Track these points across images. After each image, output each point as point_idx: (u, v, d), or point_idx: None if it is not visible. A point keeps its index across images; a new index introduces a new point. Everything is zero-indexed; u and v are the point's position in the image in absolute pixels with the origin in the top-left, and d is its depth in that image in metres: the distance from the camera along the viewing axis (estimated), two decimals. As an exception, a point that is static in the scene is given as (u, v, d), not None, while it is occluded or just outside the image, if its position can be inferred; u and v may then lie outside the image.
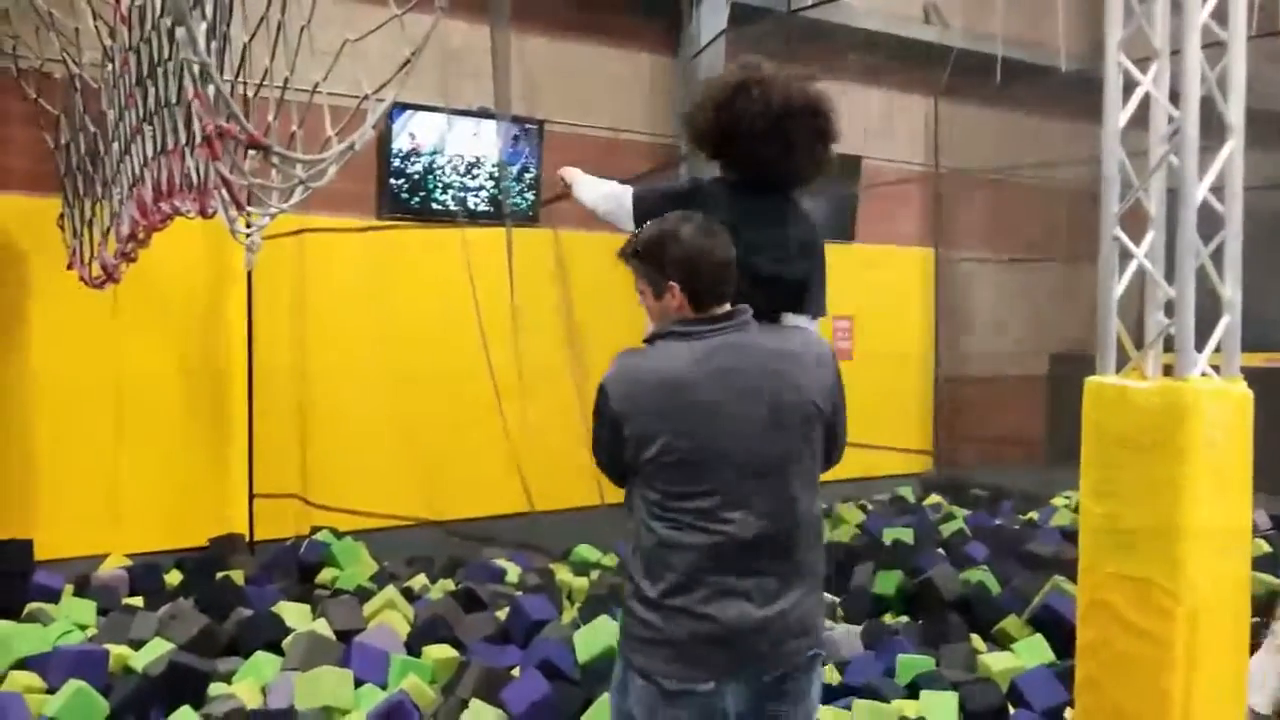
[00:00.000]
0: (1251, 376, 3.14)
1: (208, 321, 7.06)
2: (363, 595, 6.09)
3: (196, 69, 3.21)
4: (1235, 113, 3.01)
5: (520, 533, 7.46)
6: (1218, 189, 3.09)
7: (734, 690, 2.46)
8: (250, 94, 4.48)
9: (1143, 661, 2.99)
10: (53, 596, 5.82)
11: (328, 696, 4.63)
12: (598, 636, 5.20)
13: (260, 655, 5.08)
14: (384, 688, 4.84)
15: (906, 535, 7.61)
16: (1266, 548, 7.14)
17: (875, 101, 10.16)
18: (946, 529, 8.03)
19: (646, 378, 2.49)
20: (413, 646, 5.34)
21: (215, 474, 7.03)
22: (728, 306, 2.52)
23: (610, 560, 7.37)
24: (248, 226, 5.47)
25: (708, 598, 2.41)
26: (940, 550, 7.30)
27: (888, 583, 6.41)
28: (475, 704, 4.51)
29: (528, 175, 8.38)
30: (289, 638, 5.25)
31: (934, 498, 9.47)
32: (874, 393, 9.35)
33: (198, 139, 3.55)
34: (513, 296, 7.05)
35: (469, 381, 7.53)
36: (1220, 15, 2.99)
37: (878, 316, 9.97)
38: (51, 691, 4.60)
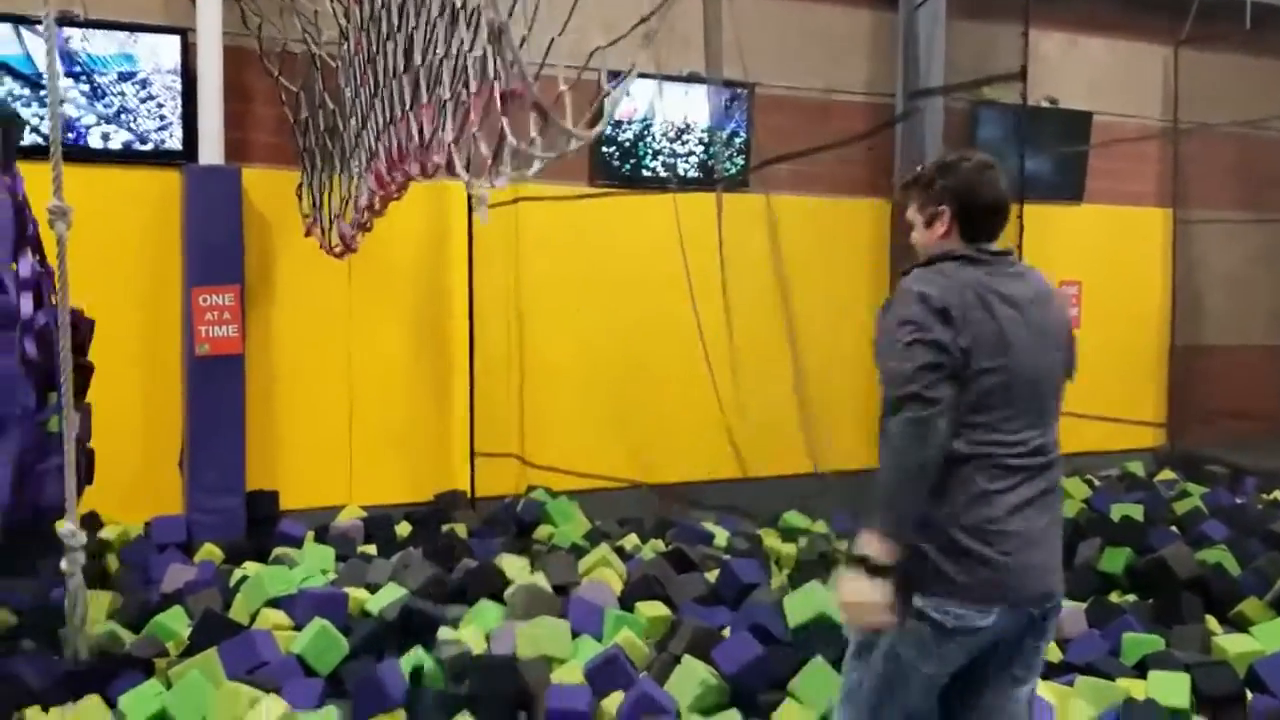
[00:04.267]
0: None
1: (432, 289, 7.39)
2: (577, 552, 6.27)
3: (494, 29, 3.32)
4: None
5: (729, 498, 7.50)
6: None
7: (1005, 624, 2.50)
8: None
9: None
10: (296, 543, 6.26)
11: (547, 646, 4.80)
12: (809, 602, 5.18)
13: (484, 604, 5.32)
14: (599, 640, 4.99)
15: (1136, 512, 7.20)
16: None
17: (1107, 52, 9.56)
18: (1181, 506, 7.56)
19: (962, 289, 2.52)
20: (626, 603, 5.46)
21: (440, 434, 7.37)
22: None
23: (819, 528, 7.31)
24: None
25: (1005, 530, 2.44)
26: (1173, 529, 6.88)
27: (1115, 560, 6.10)
28: (688, 660, 4.58)
29: (737, 140, 8.34)
30: (510, 589, 5.47)
31: (1167, 474, 8.92)
32: (1103, 362, 8.86)
33: (465, 95, 3.64)
34: (722, 264, 7.06)
35: (680, 347, 7.60)
36: None
37: (1108, 281, 9.42)
38: (297, 629, 4.96)
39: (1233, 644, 5.03)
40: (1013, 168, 8.93)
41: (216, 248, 6.55)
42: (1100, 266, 9.34)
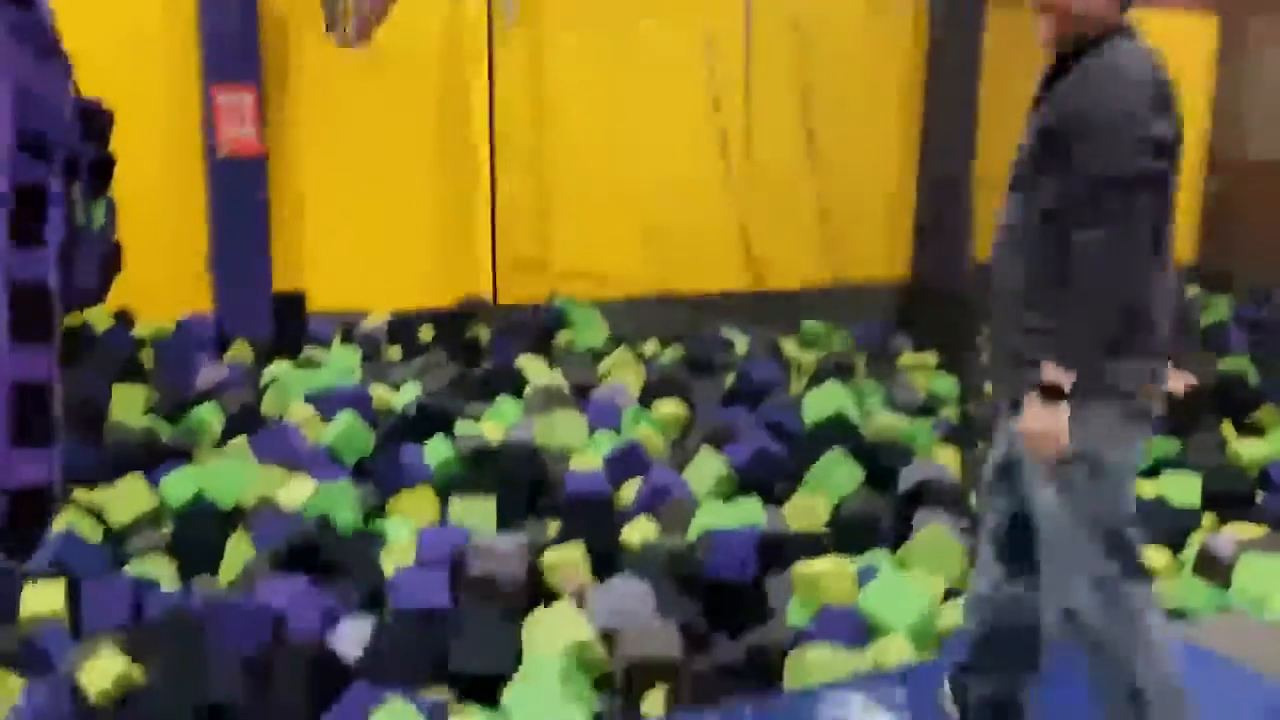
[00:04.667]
0: None
1: (452, 86, 7.26)
2: (597, 356, 6.36)
3: None
4: None
5: (751, 308, 7.53)
6: None
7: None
8: None
9: None
10: (324, 344, 6.37)
11: (564, 437, 4.93)
12: (827, 400, 5.27)
13: (504, 400, 5.44)
14: (618, 434, 5.11)
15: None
16: None
17: None
18: (1206, 318, 7.54)
19: (1158, 82, 2.18)
20: (644, 402, 5.57)
21: (463, 239, 7.38)
22: None
23: (839, 337, 7.36)
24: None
25: (1163, 336, 2.29)
26: (1197, 339, 6.89)
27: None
28: (704, 451, 4.69)
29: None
30: (529, 387, 5.58)
31: (1193, 289, 8.87)
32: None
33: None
34: (747, 60, 6.86)
35: (705, 156, 7.49)
36: None
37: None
38: (326, 422, 5.10)
39: (1247, 448, 5.10)
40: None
41: (233, 46, 6.45)
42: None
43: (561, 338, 6.81)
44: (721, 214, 7.55)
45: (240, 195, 6.53)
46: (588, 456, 4.80)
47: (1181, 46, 9.42)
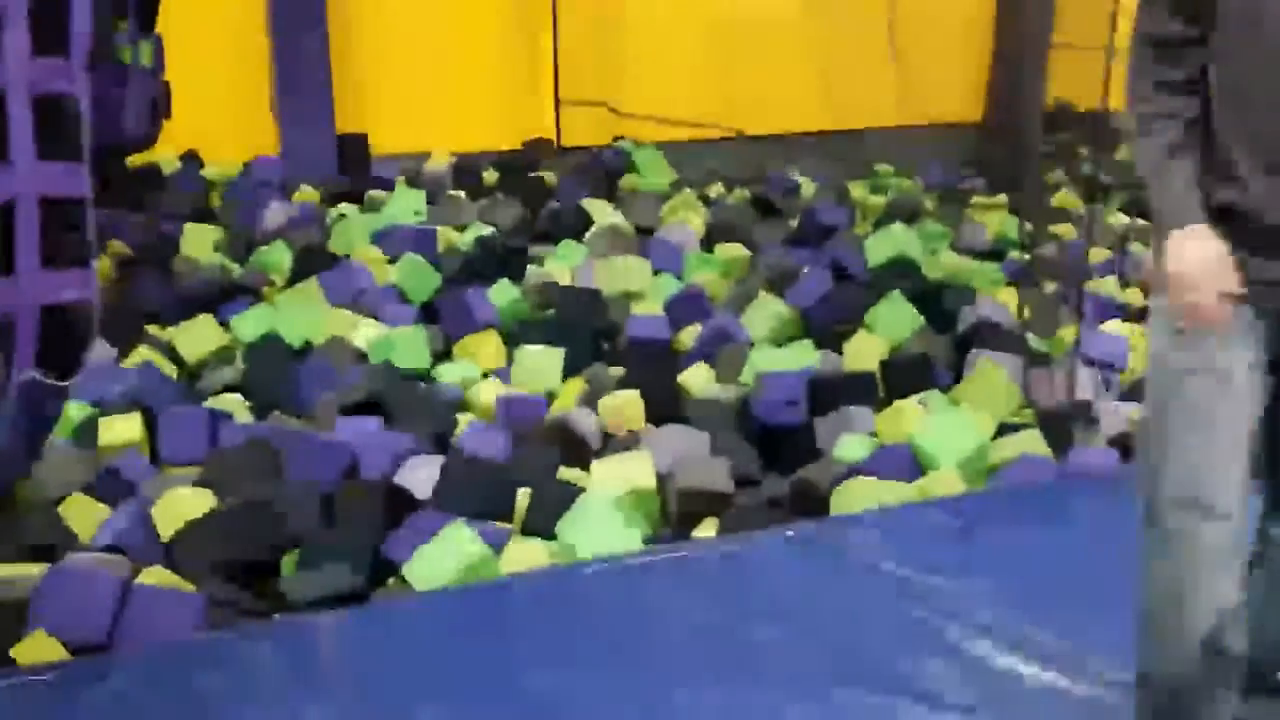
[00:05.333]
0: None
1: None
2: (661, 199, 6.32)
3: None
4: None
5: (822, 150, 7.37)
6: None
7: None
8: None
9: None
10: (388, 186, 6.41)
11: (627, 281, 4.96)
12: (890, 242, 5.21)
13: (568, 243, 5.47)
14: (679, 279, 5.12)
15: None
16: None
17: None
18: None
19: None
20: (707, 245, 5.55)
21: (527, 80, 7.28)
22: None
23: (911, 180, 7.21)
24: None
25: None
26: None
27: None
28: (763, 295, 4.70)
29: None
30: (592, 229, 5.59)
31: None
32: None
33: None
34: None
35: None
36: None
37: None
38: (392, 263, 5.18)
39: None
40: None
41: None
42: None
43: (626, 181, 6.76)
44: (790, 52, 7.33)
45: (301, 34, 6.49)
46: (649, 301, 4.83)
47: None
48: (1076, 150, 7.35)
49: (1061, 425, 3.54)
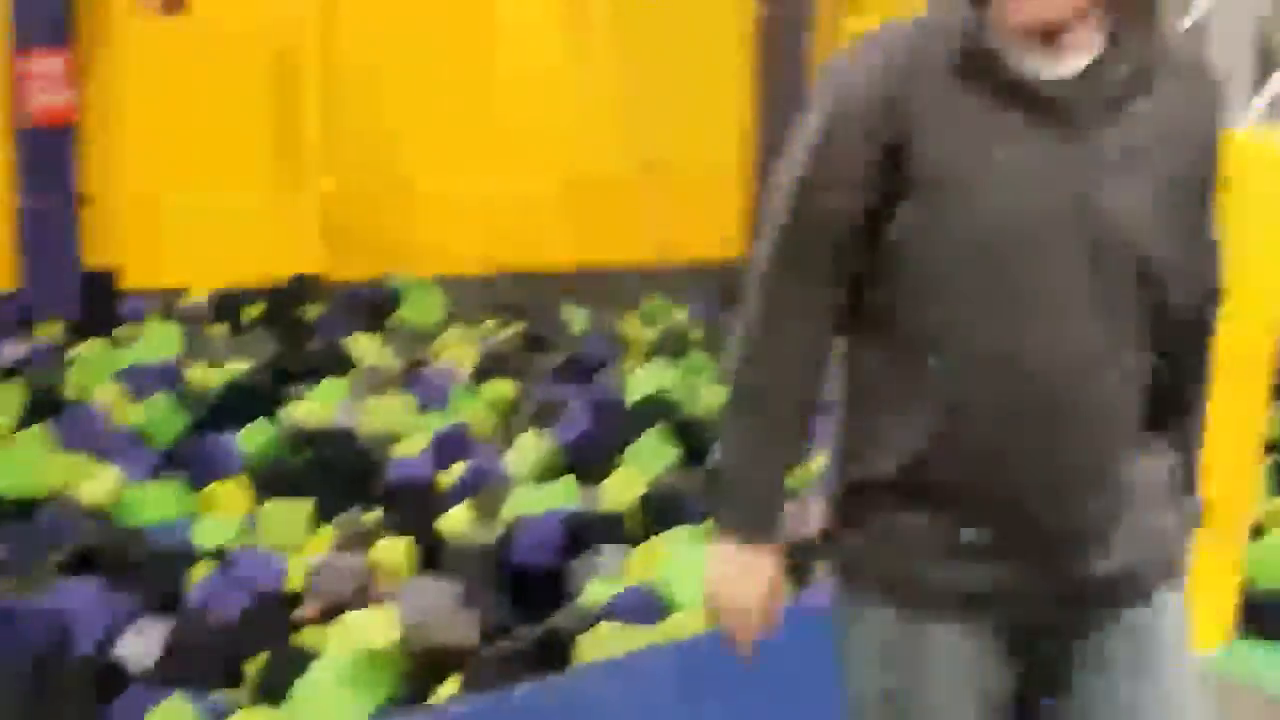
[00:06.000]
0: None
1: (282, 61, 7.02)
2: (431, 333, 6.28)
3: None
4: None
5: (590, 285, 7.53)
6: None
7: None
8: None
9: None
10: (138, 320, 6.12)
11: (390, 420, 4.86)
12: (652, 378, 5.33)
13: (329, 381, 5.33)
14: (445, 415, 5.06)
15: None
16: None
17: None
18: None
19: None
20: (476, 380, 5.53)
21: (294, 212, 7.17)
22: None
23: (680, 314, 7.43)
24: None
25: None
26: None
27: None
28: (528, 432, 4.69)
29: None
30: (356, 367, 5.48)
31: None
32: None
33: None
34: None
35: (546, 135, 7.45)
36: None
37: None
38: (136, 403, 4.90)
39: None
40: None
41: (42, 8, 6.12)
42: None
43: (395, 316, 6.69)
44: (562, 188, 7.53)
45: (49, 165, 6.21)
46: (413, 440, 4.74)
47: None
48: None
49: (800, 559, 3.62)
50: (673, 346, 6.40)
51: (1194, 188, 1.45)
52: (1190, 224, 1.45)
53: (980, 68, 1.38)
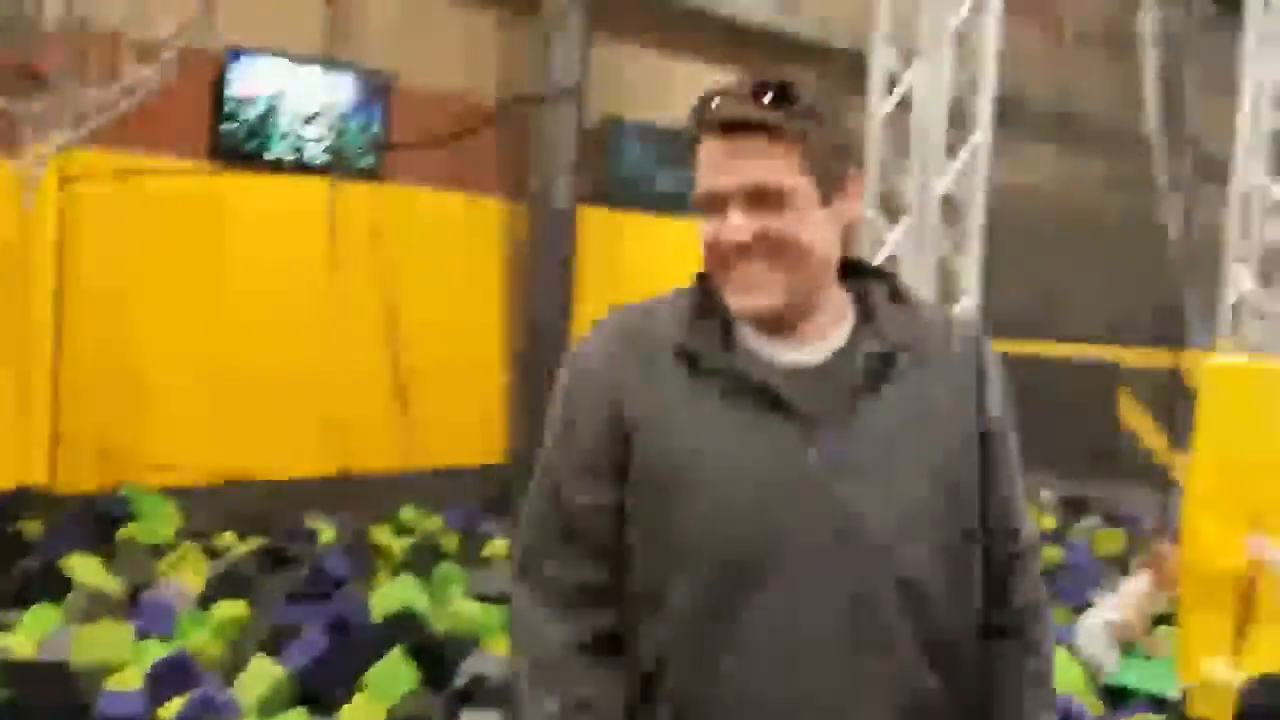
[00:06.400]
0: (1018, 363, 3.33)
1: (11, 268, 6.75)
2: (162, 551, 5.96)
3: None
4: (983, 110, 3.17)
5: (339, 494, 7.38)
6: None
7: None
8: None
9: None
10: None
11: (105, 650, 4.54)
12: (397, 594, 5.23)
13: (40, 608, 4.94)
14: (169, 642, 4.77)
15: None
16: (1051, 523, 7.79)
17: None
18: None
19: None
20: (206, 602, 5.26)
21: (15, 419, 6.75)
22: None
23: (434, 523, 7.37)
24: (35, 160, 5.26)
25: None
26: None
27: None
28: (258, 659, 4.48)
29: (372, 130, 8.23)
30: (73, 590, 5.11)
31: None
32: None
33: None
34: (333, 251, 6.96)
35: (289, 342, 7.41)
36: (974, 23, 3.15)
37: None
38: None
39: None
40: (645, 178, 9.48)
41: None
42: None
43: (125, 531, 6.32)
44: (304, 396, 7.45)
45: None
46: (131, 672, 4.43)
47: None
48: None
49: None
50: (424, 557, 6.32)
51: (963, 476, 1.33)
52: (962, 521, 1.33)
53: (703, 357, 1.33)
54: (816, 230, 1.33)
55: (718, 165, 1.36)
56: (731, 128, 1.32)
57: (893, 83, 3.38)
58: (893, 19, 3.49)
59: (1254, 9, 6.91)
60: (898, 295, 1.41)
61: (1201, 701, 4.48)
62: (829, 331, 1.36)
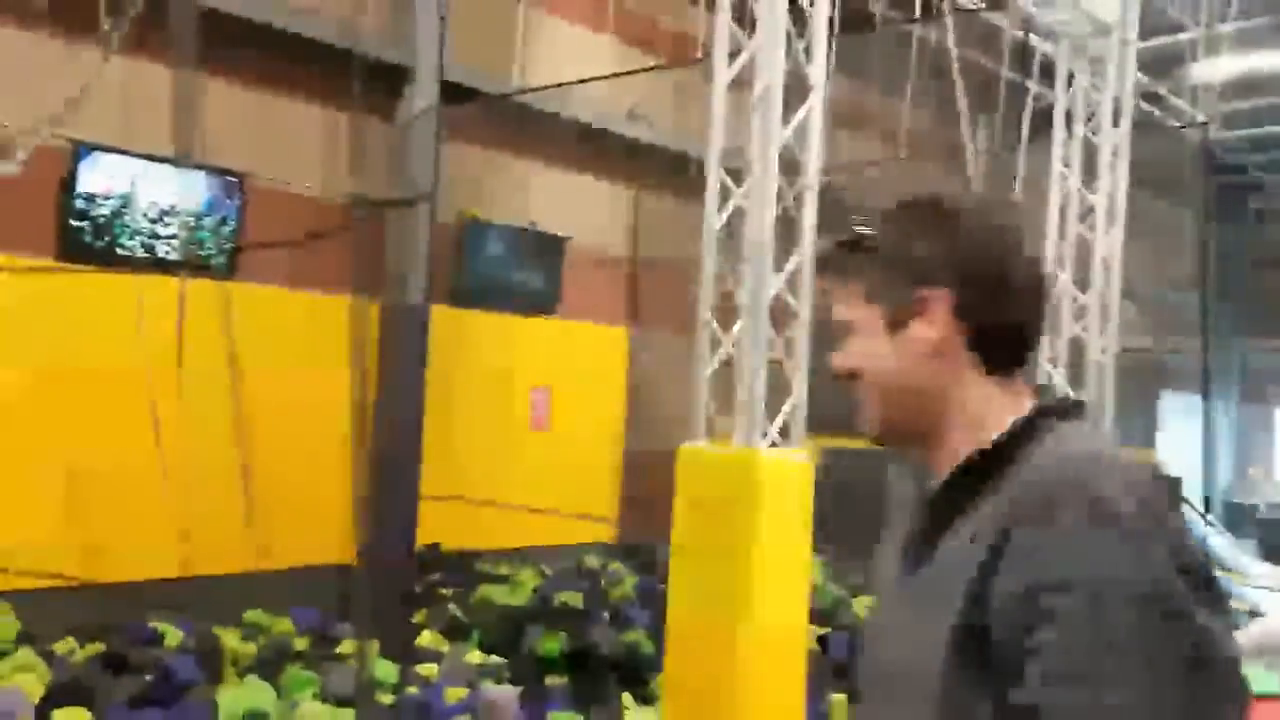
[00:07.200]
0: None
1: None
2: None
3: None
4: (808, 223, 3.52)
5: (186, 596, 7.21)
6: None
7: None
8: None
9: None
10: None
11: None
12: (246, 696, 5.16)
13: None
14: (2, 753, 4.60)
15: (576, 599, 7.91)
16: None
17: (582, 188, 10.67)
18: (615, 593, 8.41)
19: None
20: (44, 711, 5.08)
21: None
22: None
23: (284, 625, 7.24)
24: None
25: None
26: (605, 614, 7.65)
27: (551, 644, 6.67)
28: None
29: (225, 228, 8.25)
30: (-105, 703, 4.88)
31: (616, 564, 9.87)
32: (567, 462, 9.70)
33: None
34: (180, 351, 6.92)
35: (140, 436, 7.27)
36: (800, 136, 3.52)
37: (575, 388, 10.37)
38: None
39: (639, 716, 5.71)
40: (500, 279, 9.70)
41: None
42: (569, 376, 10.27)
43: (-46, 638, 6.05)
44: (149, 497, 7.30)
45: None
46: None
47: (604, 352, 10.88)
48: (440, 592, 7.96)
49: None
50: (274, 659, 6.23)
51: (968, 643, 1.16)
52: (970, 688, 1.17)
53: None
54: (886, 359, 1.31)
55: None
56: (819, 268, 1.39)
57: (725, 196, 3.70)
58: (726, 137, 3.83)
59: (1059, 136, 7.68)
60: (1019, 455, 1.24)
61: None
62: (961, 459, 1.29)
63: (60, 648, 6.16)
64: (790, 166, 3.73)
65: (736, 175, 3.67)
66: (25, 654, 5.71)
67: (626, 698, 6.12)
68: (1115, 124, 7.47)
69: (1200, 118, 13.56)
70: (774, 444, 3.50)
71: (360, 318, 8.75)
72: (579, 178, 10.63)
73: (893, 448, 1.34)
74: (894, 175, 11.09)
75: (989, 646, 1.15)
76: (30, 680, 5.39)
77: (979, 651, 1.16)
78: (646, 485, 10.79)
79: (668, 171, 10.44)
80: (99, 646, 6.18)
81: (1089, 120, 7.62)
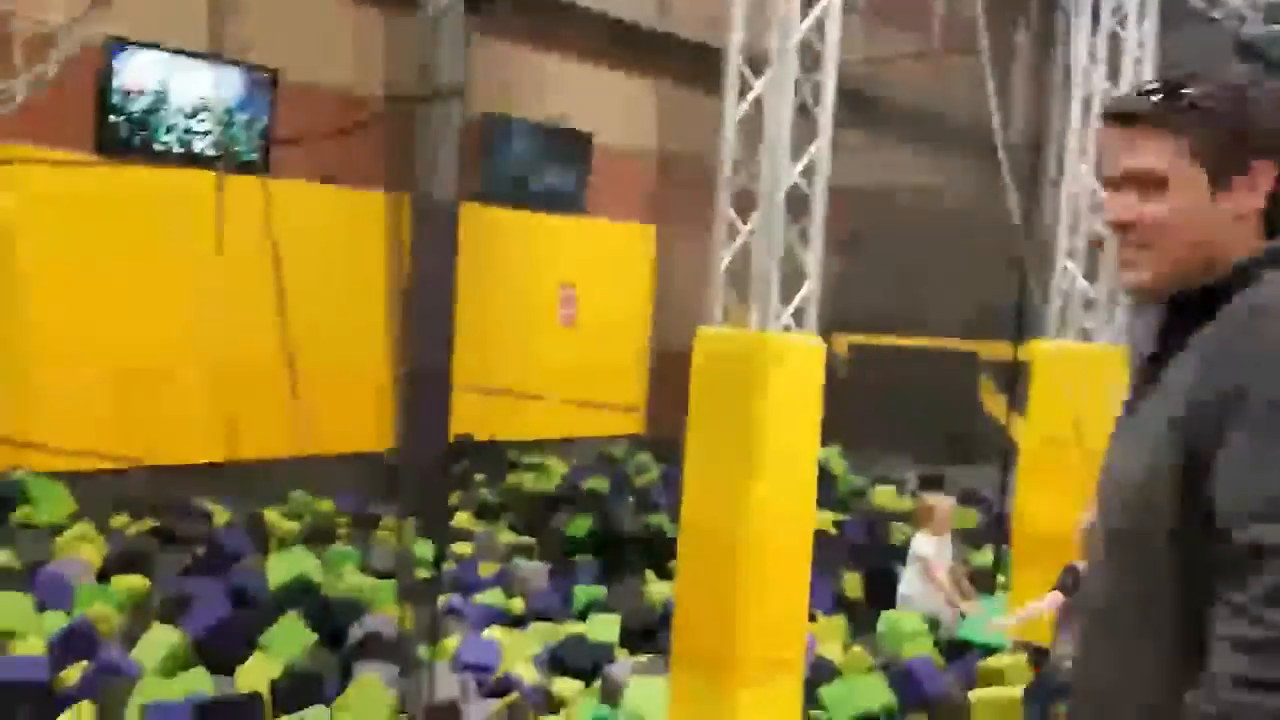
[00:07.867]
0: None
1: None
2: (57, 530, 6.10)
3: None
4: (824, 117, 3.63)
5: (231, 478, 7.56)
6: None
7: None
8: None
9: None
10: None
11: (6, 619, 4.70)
12: (291, 563, 5.49)
13: (-61, 584, 5.07)
14: (69, 614, 4.95)
15: (603, 485, 8.22)
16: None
17: (610, 83, 10.67)
18: (641, 480, 8.71)
19: None
20: (104, 577, 5.43)
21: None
22: None
23: (326, 505, 7.59)
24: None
25: None
26: (631, 499, 7.95)
27: (580, 526, 6.97)
28: (157, 626, 4.70)
29: (257, 124, 8.38)
30: (-31, 569, 5.25)
31: (642, 455, 10.15)
32: (596, 357, 9.94)
33: None
34: (220, 241, 7.13)
35: (184, 326, 7.55)
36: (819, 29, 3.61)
37: (602, 286, 10.54)
38: None
39: (659, 590, 6.01)
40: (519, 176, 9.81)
41: None
42: (595, 273, 10.42)
43: (19, 513, 6.42)
44: (195, 384, 7.61)
45: None
46: (32, 640, 4.61)
47: (630, 251, 11.01)
48: (473, 477, 8.28)
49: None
50: (318, 537, 6.57)
51: (1173, 437, 1.30)
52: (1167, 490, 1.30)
53: None
54: (1194, 216, 1.35)
55: (1107, 152, 1.43)
56: (1118, 119, 1.41)
57: (745, 89, 3.82)
58: (746, 28, 3.92)
59: (1081, 29, 7.61)
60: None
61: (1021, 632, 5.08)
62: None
63: (115, 522, 6.53)
64: (814, 59, 3.83)
65: (758, 66, 3.78)
66: (84, 527, 6.06)
67: (649, 574, 6.43)
68: (1141, 20, 7.39)
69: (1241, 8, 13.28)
70: (787, 328, 3.66)
71: (394, 212, 8.93)
72: (608, 73, 10.62)
73: (1150, 302, 1.41)
74: (924, 69, 11.00)
75: (1190, 442, 1.28)
76: (90, 550, 5.75)
77: (1181, 449, 1.29)
78: (673, 380, 11.01)
79: (694, 66, 10.41)
80: (151, 523, 6.54)
81: (1115, 12, 7.54)
